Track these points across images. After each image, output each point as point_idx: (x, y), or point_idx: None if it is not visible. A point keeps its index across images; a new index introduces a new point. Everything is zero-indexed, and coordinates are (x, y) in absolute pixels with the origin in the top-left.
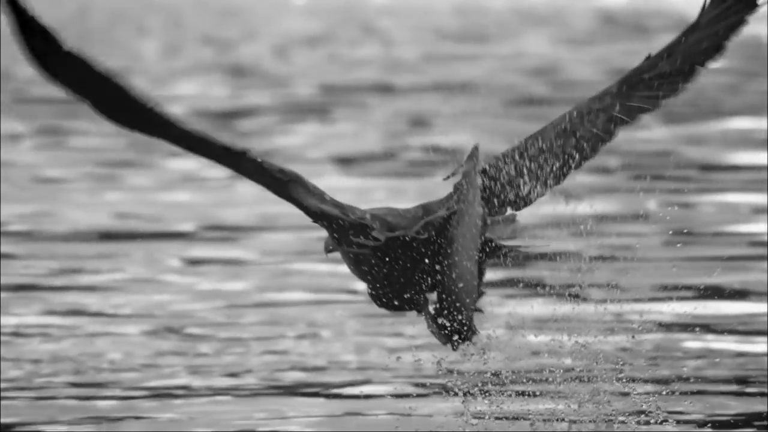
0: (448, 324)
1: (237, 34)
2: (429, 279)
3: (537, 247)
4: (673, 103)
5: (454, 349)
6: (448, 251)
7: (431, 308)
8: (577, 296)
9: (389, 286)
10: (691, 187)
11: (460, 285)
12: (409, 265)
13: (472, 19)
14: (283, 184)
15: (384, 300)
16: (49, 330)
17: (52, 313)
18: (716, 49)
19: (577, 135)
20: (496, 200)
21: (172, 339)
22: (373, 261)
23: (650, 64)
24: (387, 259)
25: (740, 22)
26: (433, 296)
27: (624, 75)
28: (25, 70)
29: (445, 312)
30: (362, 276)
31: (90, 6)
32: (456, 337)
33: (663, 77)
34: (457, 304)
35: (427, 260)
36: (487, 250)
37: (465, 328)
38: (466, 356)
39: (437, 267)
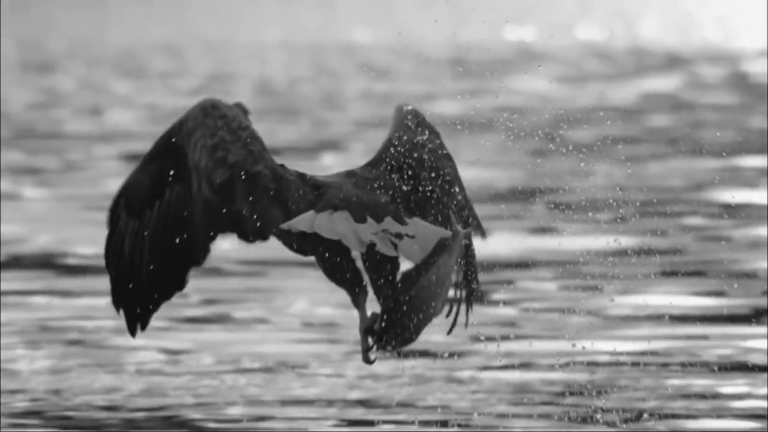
0: (392, 326)
1: (237, 71)
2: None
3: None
4: (674, 139)
5: (371, 360)
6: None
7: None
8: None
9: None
10: (688, 224)
11: (430, 293)
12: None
13: (469, 55)
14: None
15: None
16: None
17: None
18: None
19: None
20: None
21: None
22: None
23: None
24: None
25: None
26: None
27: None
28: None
29: (398, 314)
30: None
31: (103, 34)
32: (392, 342)
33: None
34: (419, 310)
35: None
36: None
37: (408, 333)
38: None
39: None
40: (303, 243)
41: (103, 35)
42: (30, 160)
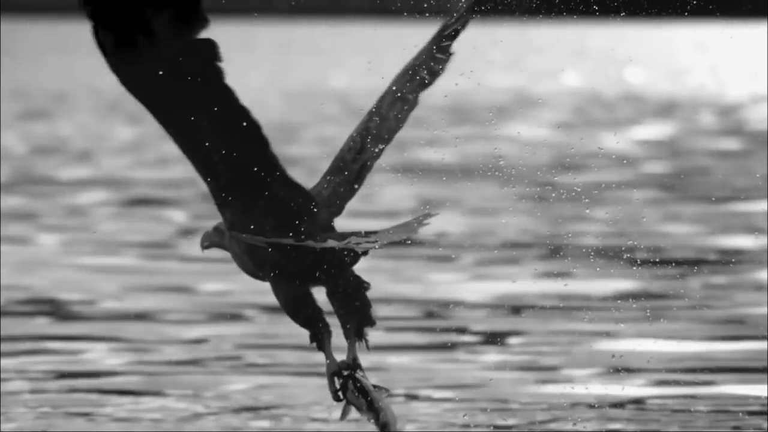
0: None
1: None
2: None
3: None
4: (674, 185)
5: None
6: None
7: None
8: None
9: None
10: (689, 271)
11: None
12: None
13: (465, 102)
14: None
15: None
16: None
17: None
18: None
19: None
20: None
21: None
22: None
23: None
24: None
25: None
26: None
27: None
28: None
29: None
30: (257, 273)
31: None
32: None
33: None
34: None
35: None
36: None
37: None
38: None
39: None
40: (269, 255)
41: (98, 81)
42: (28, 206)
